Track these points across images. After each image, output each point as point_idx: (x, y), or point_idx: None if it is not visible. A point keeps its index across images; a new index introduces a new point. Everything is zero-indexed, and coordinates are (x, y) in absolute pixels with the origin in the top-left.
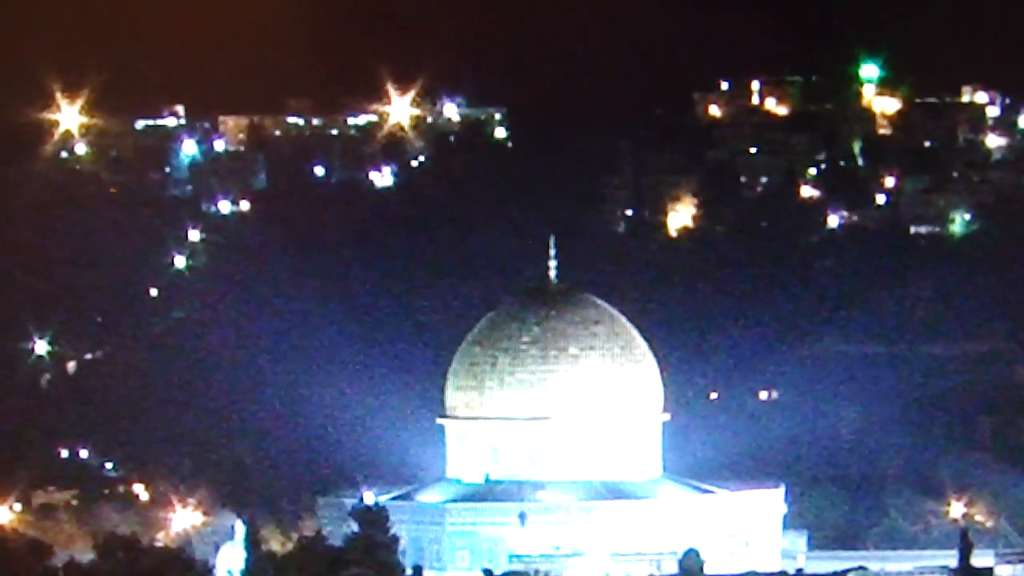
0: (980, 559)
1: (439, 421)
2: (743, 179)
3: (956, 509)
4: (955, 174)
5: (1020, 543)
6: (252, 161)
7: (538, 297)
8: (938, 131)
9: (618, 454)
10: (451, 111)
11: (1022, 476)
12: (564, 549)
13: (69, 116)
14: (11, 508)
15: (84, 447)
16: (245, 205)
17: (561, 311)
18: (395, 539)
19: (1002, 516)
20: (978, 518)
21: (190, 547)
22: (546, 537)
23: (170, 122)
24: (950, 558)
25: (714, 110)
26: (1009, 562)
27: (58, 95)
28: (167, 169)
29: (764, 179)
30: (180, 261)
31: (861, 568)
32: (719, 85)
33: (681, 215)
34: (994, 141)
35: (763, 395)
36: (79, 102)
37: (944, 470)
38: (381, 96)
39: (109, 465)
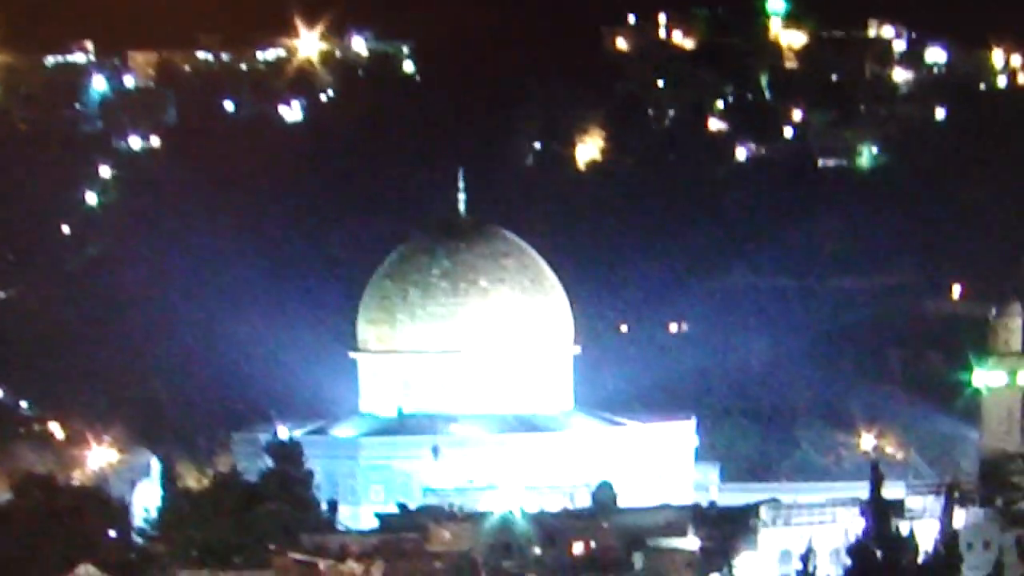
0: (891, 491)
1: (351, 355)
2: (651, 112)
3: (867, 441)
4: (862, 108)
5: (930, 475)
6: (162, 97)
7: (448, 230)
8: (845, 65)
9: (530, 387)
10: (359, 45)
11: (931, 409)
12: (477, 482)
13: None
14: None
15: None
16: (156, 141)
17: (471, 244)
18: (310, 474)
19: (912, 448)
20: (888, 450)
21: (107, 485)
22: (459, 470)
23: (79, 58)
24: (861, 490)
25: (621, 43)
26: (919, 493)
27: None
28: (77, 106)
29: (672, 112)
30: (92, 198)
31: (773, 500)
32: (626, 18)
33: (589, 148)
34: (901, 75)
35: (673, 328)
36: None
37: (854, 402)
38: (290, 31)
39: (24, 404)
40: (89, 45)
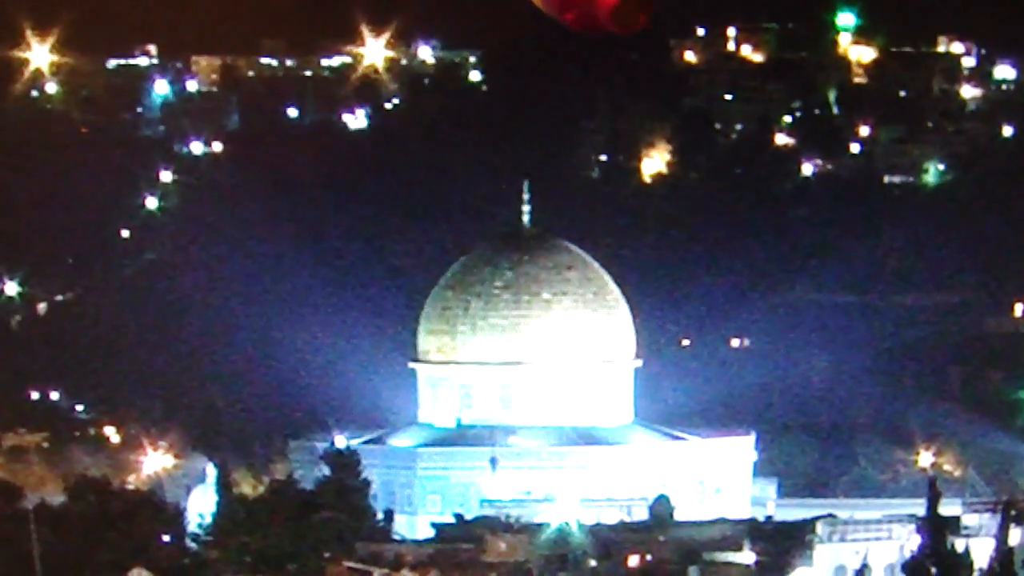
0: (947, 508)
1: (411, 365)
2: (718, 126)
3: (925, 458)
4: (929, 124)
5: (987, 492)
6: (225, 102)
7: (511, 242)
8: (913, 81)
9: (590, 400)
10: (426, 54)
11: (990, 426)
12: (535, 494)
13: (40, 54)
14: None
15: (55, 389)
16: (217, 146)
17: (534, 256)
18: (366, 483)
19: (970, 465)
20: (946, 467)
21: (161, 490)
22: (517, 482)
23: (142, 62)
24: (918, 506)
25: (690, 56)
26: (976, 511)
27: (29, 33)
28: (139, 109)
29: (739, 126)
30: (152, 202)
31: (830, 515)
32: (695, 31)
33: (655, 161)
34: (969, 92)
35: (735, 343)
36: (50, 40)
37: (913, 419)
38: (355, 38)
39: (80, 407)
40: (152, 48)
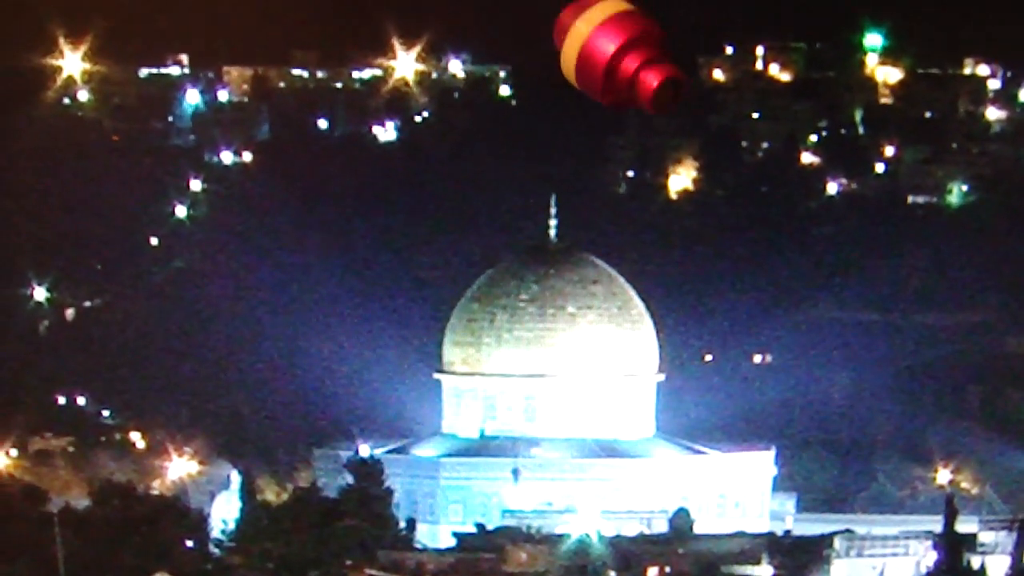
0: (964, 525)
1: (436, 376)
2: (744, 144)
3: (943, 475)
4: (954, 145)
5: (1004, 510)
6: (255, 112)
7: (538, 255)
8: (939, 102)
9: (612, 413)
10: (456, 67)
11: (1008, 445)
12: (556, 505)
13: (72, 62)
14: (7, 454)
15: (81, 394)
16: (247, 156)
17: (560, 270)
18: (389, 492)
19: (987, 484)
20: (964, 485)
21: (185, 496)
22: (539, 493)
23: (174, 71)
24: (935, 523)
25: (718, 74)
26: (992, 529)
27: (61, 41)
28: (170, 118)
29: (765, 144)
30: (181, 211)
31: (848, 531)
32: (724, 49)
33: (682, 178)
34: (994, 114)
35: (757, 358)
36: (83, 48)
37: (932, 437)
38: (386, 50)
39: (106, 412)
40: (184, 58)
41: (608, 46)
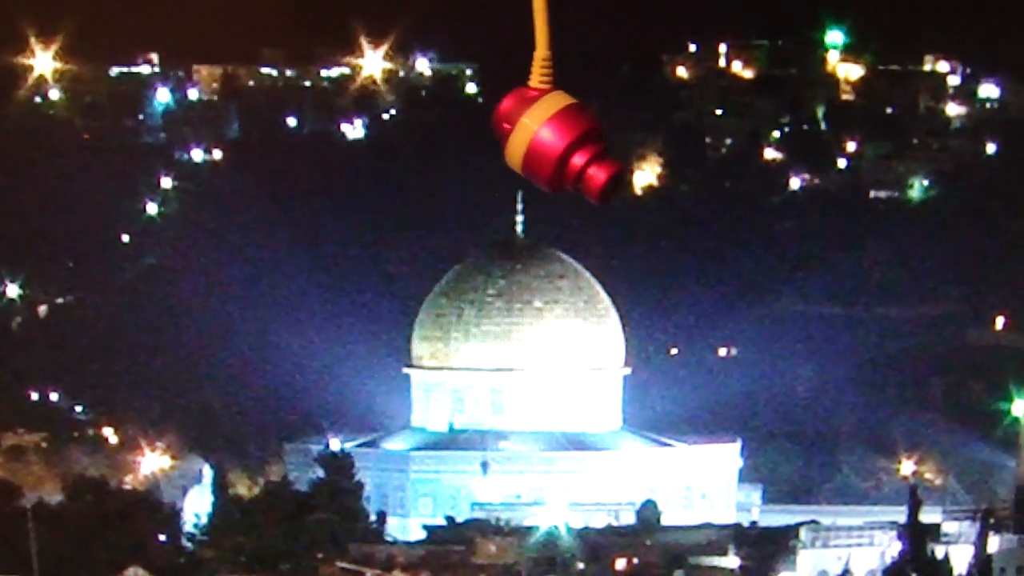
0: (928, 515)
1: (405, 370)
2: (708, 140)
3: (907, 467)
4: (915, 141)
5: (967, 500)
6: (225, 110)
7: (504, 251)
8: (900, 98)
9: (579, 406)
10: (423, 65)
11: (971, 436)
12: (525, 498)
13: (43, 61)
14: None
15: (54, 390)
16: (217, 154)
17: (527, 265)
18: (360, 485)
19: (951, 474)
20: (927, 476)
21: (158, 490)
22: (508, 486)
23: (144, 70)
24: (899, 514)
25: (681, 71)
26: (956, 519)
27: (32, 40)
28: (140, 116)
29: (728, 140)
30: (152, 208)
31: (813, 522)
32: (687, 47)
33: (646, 174)
34: (954, 110)
35: (722, 352)
36: (53, 47)
37: (896, 429)
38: (354, 49)
39: (79, 408)
40: (155, 57)
41: (558, 143)
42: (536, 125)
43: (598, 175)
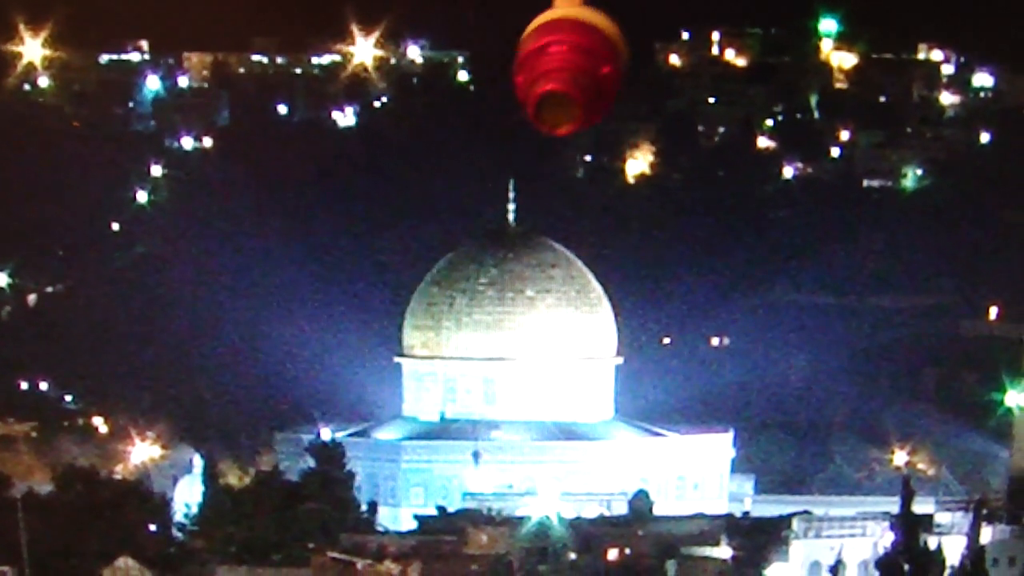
0: (921, 506)
1: (396, 360)
2: (701, 128)
3: (899, 457)
4: (909, 130)
5: (959, 491)
6: (215, 98)
7: (496, 240)
8: (893, 87)
9: (571, 396)
10: (414, 53)
11: (963, 426)
12: (516, 488)
13: (33, 48)
14: None
15: (44, 379)
16: (208, 142)
17: (519, 254)
18: (351, 475)
19: (943, 465)
20: (920, 466)
21: (148, 480)
22: (499, 476)
23: (134, 57)
24: (892, 504)
25: (674, 60)
26: (948, 509)
27: (22, 27)
28: (130, 104)
29: (721, 129)
30: (142, 196)
31: (806, 512)
32: (680, 35)
33: (639, 162)
34: (948, 99)
35: (715, 341)
36: (43, 35)
37: (889, 419)
38: (345, 37)
39: (69, 398)
40: (144, 44)
41: (534, 41)
42: (545, 18)
43: (537, 86)
